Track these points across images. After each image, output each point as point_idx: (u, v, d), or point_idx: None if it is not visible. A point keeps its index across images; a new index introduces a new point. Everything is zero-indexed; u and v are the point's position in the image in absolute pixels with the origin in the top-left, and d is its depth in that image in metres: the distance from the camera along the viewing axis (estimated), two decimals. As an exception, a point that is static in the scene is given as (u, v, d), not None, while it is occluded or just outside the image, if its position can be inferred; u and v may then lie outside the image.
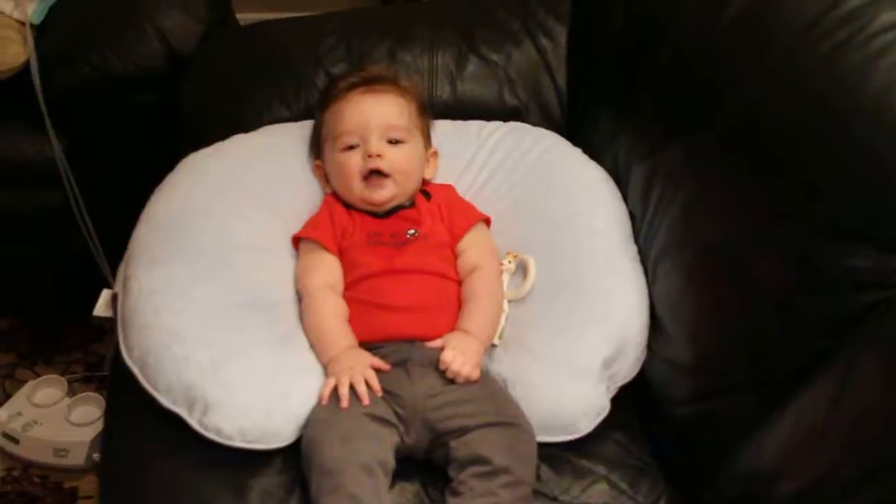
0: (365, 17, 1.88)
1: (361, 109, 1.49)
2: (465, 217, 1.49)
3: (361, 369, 1.28)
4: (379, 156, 1.45)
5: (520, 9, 1.77)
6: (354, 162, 1.46)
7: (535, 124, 1.67)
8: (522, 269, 1.45)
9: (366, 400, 1.25)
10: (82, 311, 1.95)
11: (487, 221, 1.51)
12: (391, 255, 1.41)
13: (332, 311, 1.38)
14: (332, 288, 1.40)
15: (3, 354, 2.16)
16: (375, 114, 1.48)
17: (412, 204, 1.49)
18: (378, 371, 1.30)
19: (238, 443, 1.25)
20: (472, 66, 1.71)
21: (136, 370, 1.31)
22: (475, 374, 1.31)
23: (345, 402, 1.24)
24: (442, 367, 1.30)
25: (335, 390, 1.27)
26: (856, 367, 1.05)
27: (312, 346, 1.36)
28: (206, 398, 1.25)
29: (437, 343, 1.33)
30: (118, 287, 1.41)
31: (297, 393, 1.29)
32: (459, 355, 1.30)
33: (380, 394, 1.27)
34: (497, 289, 1.43)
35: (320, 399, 1.27)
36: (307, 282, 1.41)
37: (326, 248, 1.43)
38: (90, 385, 2.07)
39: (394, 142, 1.48)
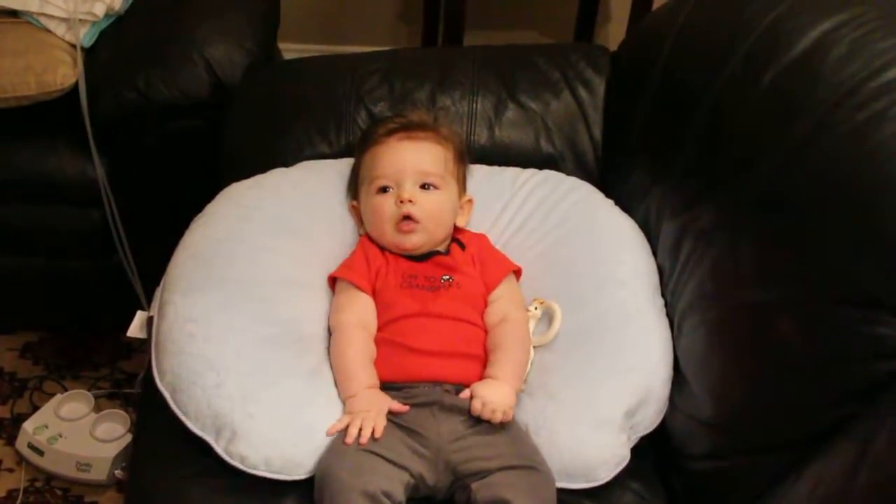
0: (407, 59, 1.90)
1: (398, 155, 1.52)
2: (497, 268, 1.51)
3: (375, 414, 1.29)
4: (411, 201, 1.47)
5: (560, 59, 1.79)
6: (387, 206, 1.49)
7: (569, 173, 1.69)
8: (548, 316, 1.46)
9: (364, 441, 1.26)
10: (111, 328, 1.99)
11: (518, 272, 1.53)
12: (426, 299, 1.43)
13: (359, 349, 1.39)
14: (364, 327, 1.42)
15: (31, 367, 2.20)
16: (411, 160, 1.51)
17: (447, 252, 1.51)
18: (403, 411, 1.32)
19: (262, 472, 1.27)
20: (511, 112, 1.74)
21: (167, 394, 1.33)
22: (508, 415, 1.32)
23: (349, 440, 1.26)
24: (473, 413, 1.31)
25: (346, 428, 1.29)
26: (878, 435, 1.05)
27: (336, 380, 1.38)
28: (234, 426, 1.28)
29: (465, 394, 1.34)
30: (153, 311, 1.44)
31: (323, 426, 1.31)
32: (488, 404, 1.31)
33: (378, 436, 1.28)
34: (525, 337, 1.44)
35: (331, 432, 1.30)
36: (340, 317, 1.43)
37: (361, 289, 1.45)
38: (116, 401, 2.11)
39: (427, 187, 1.50)
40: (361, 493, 1.20)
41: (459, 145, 1.61)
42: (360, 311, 1.44)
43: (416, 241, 1.49)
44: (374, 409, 1.30)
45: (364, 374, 1.36)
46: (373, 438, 1.26)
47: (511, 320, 1.44)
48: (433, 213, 1.49)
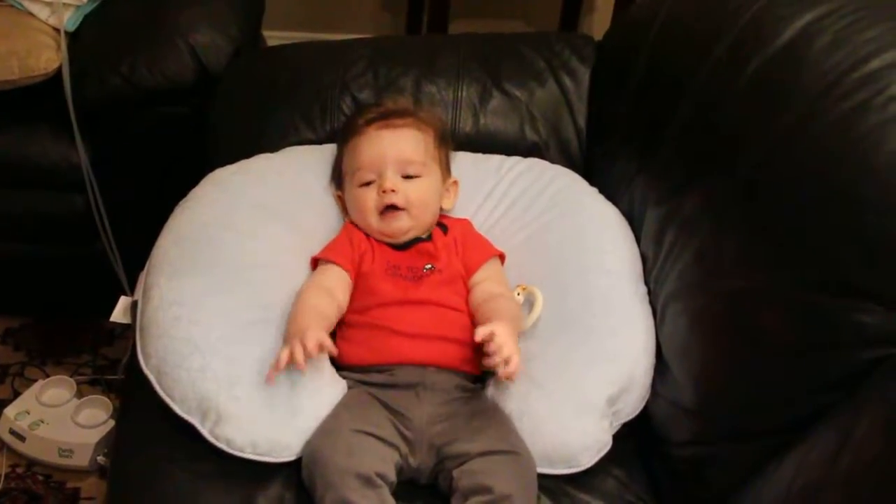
0: (392, 46, 1.90)
1: (377, 145, 1.52)
2: (479, 251, 1.51)
3: (303, 334, 1.27)
4: (393, 191, 1.48)
5: (545, 48, 1.80)
6: (370, 198, 1.50)
7: (553, 161, 1.70)
8: (530, 302, 1.47)
9: (301, 364, 1.25)
10: (94, 313, 1.98)
11: (502, 257, 1.53)
12: (407, 288, 1.43)
13: (313, 302, 1.38)
14: (327, 291, 1.41)
15: (13, 353, 2.19)
16: (391, 149, 1.51)
17: (429, 237, 1.51)
18: (390, 393, 1.32)
19: (248, 454, 1.27)
20: (496, 100, 1.74)
21: (152, 378, 1.33)
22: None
23: (278, 368, 1.26)
24: (490, 349, 1.28)
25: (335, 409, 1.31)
26: (858, 422, 1.06)
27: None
28: (220, 409, 1.28)
29: (483, 333, 1.29)
30: (138, 295, 1.44)
31: (309, 408, 1.31)
32: (510, 341, 1.29)
33: (328, 351, 1.30)
34: (517, 312, 1.43)
35: (328, 415, 1.30)
36: (306, 283, 1.43)
37: (342, 268, 1.45)
38: (98, 387, 2.10)
39: (409, 177, 1.51)
40: (355, 475, 1.20)
41: (440, 128, 1.61)
42: (329, 279, 1.44)
43: (401, 226, 1.49)
44: (304, 332, 1.28)
45: (310, 317, 1.34)
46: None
47: (502, 296, 1.44)
48: (417, 200, 1.50)
